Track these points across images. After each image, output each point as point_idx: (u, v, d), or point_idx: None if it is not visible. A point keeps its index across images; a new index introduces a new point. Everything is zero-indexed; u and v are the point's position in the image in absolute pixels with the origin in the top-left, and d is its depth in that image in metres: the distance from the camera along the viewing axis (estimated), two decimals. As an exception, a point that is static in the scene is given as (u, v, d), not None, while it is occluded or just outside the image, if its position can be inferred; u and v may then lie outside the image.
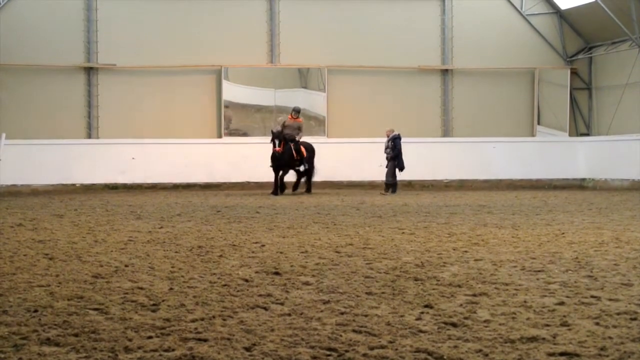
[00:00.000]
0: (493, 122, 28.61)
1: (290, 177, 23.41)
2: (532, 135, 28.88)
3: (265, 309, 5.92)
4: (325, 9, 27.79)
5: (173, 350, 4.72)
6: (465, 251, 9.21)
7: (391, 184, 22.92)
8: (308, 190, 22.97)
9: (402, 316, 5.63)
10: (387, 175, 22.97)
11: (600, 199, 20.26)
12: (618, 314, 5.66)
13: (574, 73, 29.16)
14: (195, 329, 5.24)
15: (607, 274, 7.44)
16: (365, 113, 27.35)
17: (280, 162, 22.15)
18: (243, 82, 27.56)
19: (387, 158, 23.04)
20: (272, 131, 22.32)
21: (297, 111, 22.93)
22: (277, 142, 21.87)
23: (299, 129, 22.67)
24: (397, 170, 22.92)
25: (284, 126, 22.60)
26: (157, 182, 26.27)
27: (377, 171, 25.21)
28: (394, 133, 23.02)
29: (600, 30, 28.01)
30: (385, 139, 23.22)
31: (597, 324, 5.36)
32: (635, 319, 5.49)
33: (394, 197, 21.26)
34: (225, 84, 26.95)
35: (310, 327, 5.28)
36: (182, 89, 27.01)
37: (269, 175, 26.39)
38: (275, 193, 22.00)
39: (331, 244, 10.01)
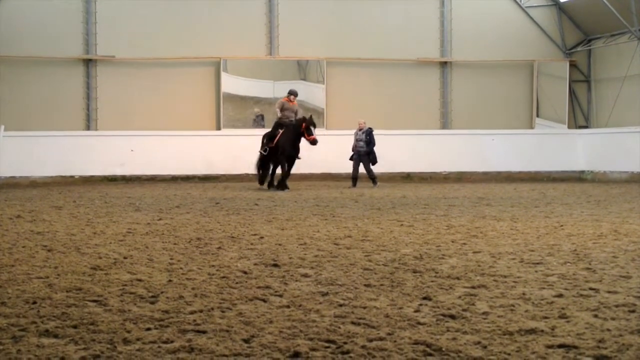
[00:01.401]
0: (492, 115, 28.61)
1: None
2: (531, 127, 28.87)
3: (264, 300, 5.92)
4: (324, 1, 27.76)
5: (172, 342, 4.73)
6: (464, 243, 9.21)
7: (374, 177, 22.38)
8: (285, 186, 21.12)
9: (400, 308, 5.64)
10: (369, 170, 22.28)
11: (599, 191, 20.26)
12: (616, 306, 5.67)
13: (573, 65, 29.14)
14: (194, 320, 5.25)
15: (605, 267, 7.45)
16: (364, 105, 27.31)
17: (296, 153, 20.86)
18: (242, 74, 27.56)
19: (360, 152, 22.17)
20: (304, 117, 20.70)
21: (295, 94, 21.47)
22: (313, 129, 20.42)
23: (296, 113, 21.23)
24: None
25: (282, 109, 21.14)
26: (155, 174, 26.26)
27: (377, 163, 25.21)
28: (367, 127, 22.36)
29: (600, 23, 27.99)
30: (354, 131, 22.61)
31: (596, 316, 5.37)
32: (633, 311, 5.50)
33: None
34: (224, 76, 26.94)
35: (309, 319, 5.28)
36: (181, 81, 26.99)
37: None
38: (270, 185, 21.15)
39: (330, 236, 10.02)
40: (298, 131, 20.56)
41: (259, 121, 27.51)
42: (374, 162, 22.32)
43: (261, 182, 21.55)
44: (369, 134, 22.22)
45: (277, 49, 27.41)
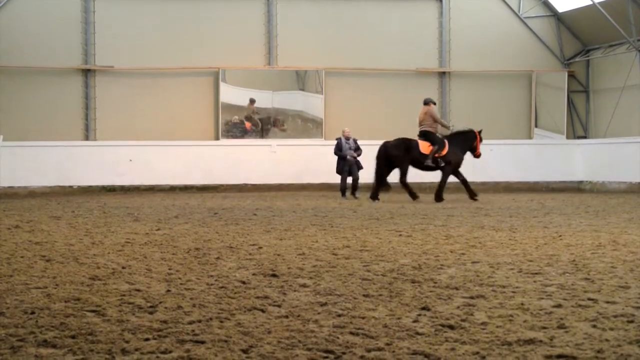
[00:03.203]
0: (490, 125, 28.57)
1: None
2: (530, 137, 28.90)
3: (263, 311, 5.91)
4: (322, 12, 27.83)
5: (170, 352, 4.72)
6: (463, 253, 9.20)
7: (358, 187, 21.92)
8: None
9: (399, 318, 5.63)
10: (357, 179, 21.78)
11: (598, 201, 20.26)
12: (615, 316, 5.66)
13: (571, 76, 29.20)
14: (193, 331, 5.24)
15: (604, 277, 7.44)
16: (363, 115, 27.35)
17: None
18: (240, 84, 27.57)
19: (351, 161, 21.68)
20: (479, 130, 20.62)
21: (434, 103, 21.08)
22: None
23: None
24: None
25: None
26: (154, 184, 26.26)
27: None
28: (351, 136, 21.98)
29: (598, 33, 28.07)
30: (338, 140, 22.08)
31: (594, 326, 5.36)
32: (632, 321, 5.49)
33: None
34: (222, 86, 26.97)
35: (308, 329, 5.27)
36: (179, 91, 27.02)
37: (266, 178, 26.49)
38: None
39: (328, 246, 10.01)
40: (471, 143, 20.62)
41: (236, 129, 27.26)
42: (360, 169, 22.05)
43: (376, 196, 20.51)
44: (355, 141, 22.01)
45: (275, 59, 27.46)
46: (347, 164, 21.90)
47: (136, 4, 26.96)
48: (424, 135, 20.59)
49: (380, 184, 20.57)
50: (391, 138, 26.75)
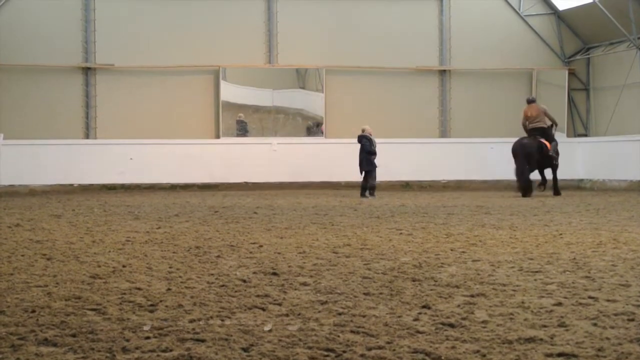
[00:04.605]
0: (491, 123, 28.61)
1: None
2: (530, 136, 28.87)
3: (263, 309, 5.91)
4: (323, 10, 27.82)
5: (171, 350, 4.72)
6: (463, 252, 9.20)
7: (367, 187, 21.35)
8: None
9: (399, 317, 5.63)
10: (375, 178, 21.36)
11: (598, 199, 20.26)
12: (616, 314, 5.66)
13: (571, 74, 29.18)
14: (193, 329, 5.24)
15: (604, 275, 7.44)
16: (363, 113, 27.31)
17: None
18: (241, 82, 27.58)
19: (373, 159, 21.20)
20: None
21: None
22: None
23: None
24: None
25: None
26: (154, 182, 26.27)
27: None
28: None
29: (598, 31, 28.05)
30: (360, 137, 21.39)
31: (595, 324, 5.36)
32: (632, 319, 5.49)
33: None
34: (223, 84, 26.97)
35: (308, 328, 5.27)
36: (180, 89, 27.02)
37: (266, 176, 26.49)
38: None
39: (329, 244, 10.01)
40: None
41: (241, 127, 27.33)
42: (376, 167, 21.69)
43: (529, 192, 21.21)
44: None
45: (276, 58, 27.45)
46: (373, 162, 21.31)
47: (137, 2, 26.96)
48: (541, 132, 21.52)
49: (528, 180, 21.29)
50: (391, 135, 26.84)
